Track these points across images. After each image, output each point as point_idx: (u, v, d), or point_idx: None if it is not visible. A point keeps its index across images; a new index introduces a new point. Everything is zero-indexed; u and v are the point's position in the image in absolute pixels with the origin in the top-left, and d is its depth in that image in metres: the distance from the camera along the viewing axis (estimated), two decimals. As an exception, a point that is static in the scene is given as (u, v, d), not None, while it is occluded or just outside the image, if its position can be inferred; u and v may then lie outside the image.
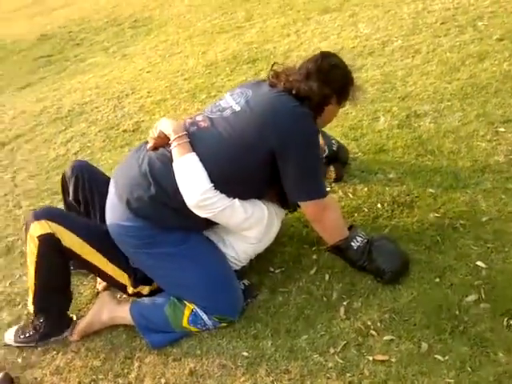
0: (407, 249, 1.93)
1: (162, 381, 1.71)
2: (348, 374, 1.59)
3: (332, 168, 2.36)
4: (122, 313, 1.89)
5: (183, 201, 1.74)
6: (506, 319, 1.62)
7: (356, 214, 2.16)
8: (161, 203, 1.78)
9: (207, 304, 1.80)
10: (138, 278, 1.92)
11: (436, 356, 1.57)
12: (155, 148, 1.87)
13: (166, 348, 1.80)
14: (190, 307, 1.81)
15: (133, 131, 3.23)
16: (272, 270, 2.02)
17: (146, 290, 1.94)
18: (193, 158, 1.75)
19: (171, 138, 1.80)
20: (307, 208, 1.84)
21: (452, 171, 2.24)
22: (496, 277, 1.76)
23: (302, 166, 1.78)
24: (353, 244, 1.89)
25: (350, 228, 1.94)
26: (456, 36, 3.26)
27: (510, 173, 2.16)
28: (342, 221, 1.93)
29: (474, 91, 2.70)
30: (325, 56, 1.87)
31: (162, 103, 3.46)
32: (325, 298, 1.85)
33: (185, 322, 1.81)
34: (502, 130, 2.40)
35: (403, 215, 2.10)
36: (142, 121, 3.32)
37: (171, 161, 1.78)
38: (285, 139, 1.73)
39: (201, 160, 1.75)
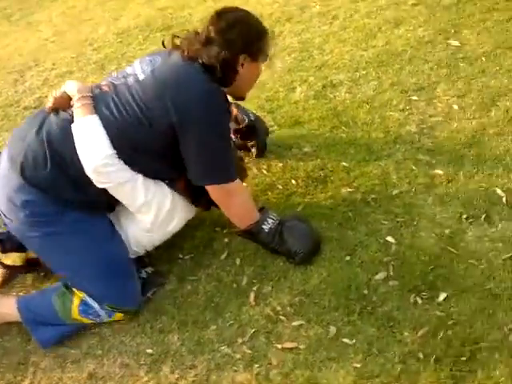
0: (319, 227, 1.87)
1: (59, 386, 1.58)
2: (256, 365, 1.52)
3: (252, 143, 2.25)
4: (8, 308, 1.70)
5: (82, 168, 1.60)
6: (413, 296, 1.60)
7: (270, 193, 2.07)
8: (58, 171, 1.62)
9: (97, 291, 1.65)
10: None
11: (344, 340, 1.53)
12: (55, 110, 1.70)
13: (63, 349, 1.66)
14: (78, 295, 1.66)
15: (34, 108, 2.94)
16: (181, 256, 1.90)
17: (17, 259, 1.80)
18: (95, 120, 1.62)
19: (74, 99, 1.65)
20: (212, 193, 1.72)
21: (365, 143, 2.19)
22: (405, 252, 1.74)
23: (204, 147, 1.65)
24: (264, 227, 1.80)
25: (261, 210, 1.86)
26: (373, 1, 3.18)
27: (420, 143, 2.14)
28: (251, 204, 1.83)
29: (389, 59, 2.65)
30: (220, 14, 1.68)
31: (67, 76, 3.17)
32: (235, 285, 1.76)
33: (75, 313, 1.66)
34: (415, 98, 2.37)
35: (317, 191, 2.03)
36: (46, 96, 3.02)
37: (71, 123, 1.63)
38: (185, 116, 1.60)
39: (103, 124, 1.61)
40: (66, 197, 1.65)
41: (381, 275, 1.68)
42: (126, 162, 1.64)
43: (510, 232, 1.73)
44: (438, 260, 1.69)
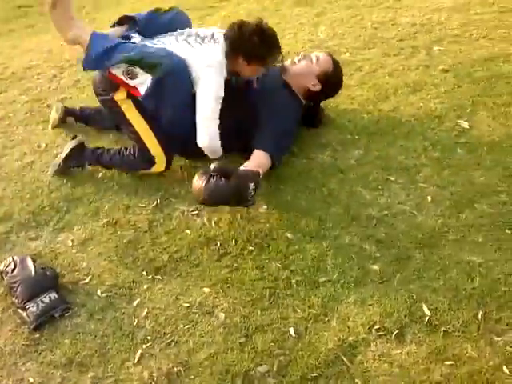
0: (234, 297, 1.82)
1: None
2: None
3: None
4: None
5: None
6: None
7: (206, 247, 2.03)
8: None
9: None
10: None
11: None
12: None
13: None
14: None
15: (55, 108, 3.15)
16: (99, 293, 1.93)
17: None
18: None
19: None
20: None
21: (321, 216, 2.08)
22: (299, 350, 1.64)
23: None
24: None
25: None
26: (405, 58, 3.01)
27: (374, 230, 1.99)
28: None
29: (388, 128, 2.51)
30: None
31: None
32: (130, 337, 1.75)
33: None
34: (392, 178, 2.22)
35: (249, 258, 1.97)
36: (70, 98, 3.22)
37: None
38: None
39: None
40: None
41: (264, 368, 1.61)
42: None
43: (414, 358, 1.58)
44: (325, 368, 1.58)
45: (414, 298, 1.75)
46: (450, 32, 3.22)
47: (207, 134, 2.20)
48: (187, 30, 2.36)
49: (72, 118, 2.84)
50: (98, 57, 2.20)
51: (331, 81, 2.45)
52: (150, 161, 2.34)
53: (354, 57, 3.09)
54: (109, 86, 2.32)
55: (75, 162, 2.47)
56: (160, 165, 2.34)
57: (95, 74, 2.41)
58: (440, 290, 1.75)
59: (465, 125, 2.44)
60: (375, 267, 1.86)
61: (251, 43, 2.17)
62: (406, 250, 1.91)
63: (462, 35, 3.18)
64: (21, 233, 2.21)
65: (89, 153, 2.48)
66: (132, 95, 2.27)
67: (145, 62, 2.17)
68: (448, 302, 1.72)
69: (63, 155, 2.46)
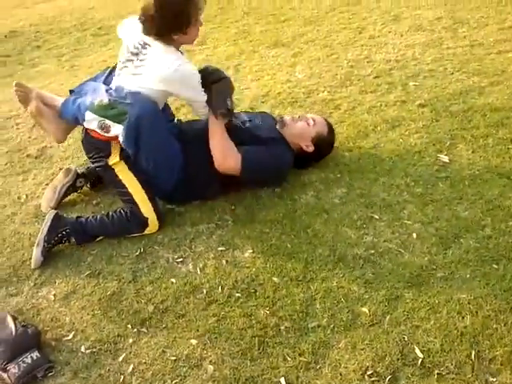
0: (223, 347, 1.77)
1: None
2: None
3: None
4: None
5: None
6: None
7: (192, 296, 1.98)
8: None
9: None
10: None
11: None
12: None
13: None
14: None
15: (35, 158, 3.10)
16: (83, 350, 1.87)
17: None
18: None
19: None
20: None
21: (307, 259, 2.06)
22: None
23: None
24: None
25: None
26: (382, 95, 3.06)
27: (362, 271, 1.96)
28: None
29: (369, 165, 2.51)
30: None
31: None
32: (115, 396, 1.71)
33: None
34: (377, 216, 2.21)
35: (236, 306, 1.92)
36: (50, 147, 3.19)
37: None
38: None
39: None
40: None
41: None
42: None
43: (411, 404, 1.54)
44: (318, 420, 1.54)
45: (406, 339, 1.71)
46: (425, 67, 3.30)
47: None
48: (123, 53, 2.30)
49: (82, 179, 2.66)
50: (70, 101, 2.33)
51: (324, 144, 2.53)
52: (143, 223, 2.30)
53: (332, 95, 3.13)
54: (99, 151, 2.33)
55: (57, 238, 2.28)
56: (153, 227, 2.31)
57: (82, 140, 2.44)
58: (431, 331, 1.73)
59: (445, 159, 2.47)
60: (365, 309, 1.83)
61: (173, 13, 2.08)
62: (394, 290, 1.88)
63: (436, 70, 3.25)
64: (1, 288, 2.14)
65: (70, 222, 2.34)
66: (124, 156, 2.29)
67: (111, 114, 2.20)
68: (440, 342, 1.69)
69: (43, 234, 2.26)
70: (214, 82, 2.29)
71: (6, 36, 5.45)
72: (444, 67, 3.26)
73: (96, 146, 2.35)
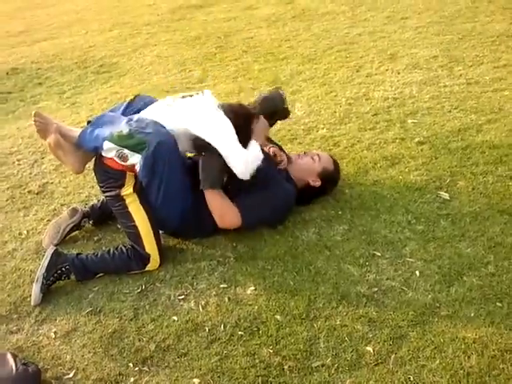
0: (227, 388, 1.75)
1: None
2: None
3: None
4: None
5: None
6: None
7: (194, 335, 1.95)
8: None
9: None
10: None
11: None
12: None
13: None
14: None
15: (36, 193, 3.11)
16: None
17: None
18: None
19: None
20: None
21: (310, 296, 2.05)
22: None
23: None
24: None
25: None
26: (380, 132, 3.11)
27: (365, 309, 1.95)
28: None
29: (370, 202, 2.52)
30: None
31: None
32: None
33: None
34: (379, 254, 2.21)
35: (239, 344, 1.89)
36: (51, 183, 3.21)
37: None
38: None
39: None
40: None
41: None
42: None
43: None
44: None
45: (412, 379, 1.69)
46: (423, 105, 3.36)
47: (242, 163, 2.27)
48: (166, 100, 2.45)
49: (87, 218, 2.66)
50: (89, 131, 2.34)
51: (330, 179, 2.59)
52: (145, 260, 2.30)
53: (332, 132, 3.18)
54: (113, 181, 2.34)
55: (56, 274, 2.27)
56: (154, 264, 2.31)
57: (94, 168, 2.45)
58: (437, 370, 1.70)
59: (445, 196, 2.49)
60: (369, 348, 1.81)
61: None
62: (398, 329, 1.87)
63: (434, 107, 3.32)
64: (1, 325, 2.12)
65: (70, 258, 2.32)
66: (137, 189, 2.32)
67: (131, 144, 2.22)
68: (447, 382, 1.66)
69: (42, 270, 2.24)
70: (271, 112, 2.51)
71: (7, 73, 5.52)
72: (441, 105, 3.32)
73: (110, 176, 2.35)
